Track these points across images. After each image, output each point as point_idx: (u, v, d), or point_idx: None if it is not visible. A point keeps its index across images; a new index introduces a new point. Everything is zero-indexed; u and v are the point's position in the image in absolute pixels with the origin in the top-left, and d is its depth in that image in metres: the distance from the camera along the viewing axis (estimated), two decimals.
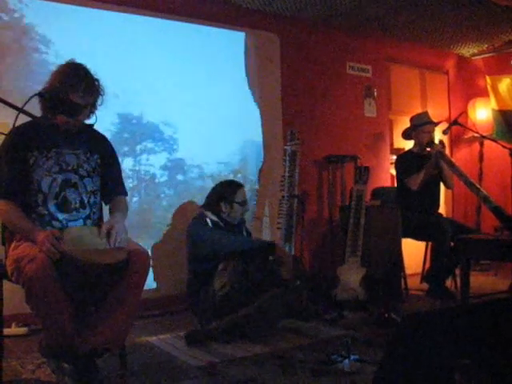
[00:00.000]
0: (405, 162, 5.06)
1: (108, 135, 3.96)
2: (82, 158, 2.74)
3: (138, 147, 4.60)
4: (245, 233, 4.14)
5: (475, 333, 1.72)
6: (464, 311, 1.92)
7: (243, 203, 4.00)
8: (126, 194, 2.98)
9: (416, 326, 1.71)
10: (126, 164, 4.47)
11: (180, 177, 4.81)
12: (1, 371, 2.59)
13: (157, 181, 4.67)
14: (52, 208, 2.62)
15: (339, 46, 5.88)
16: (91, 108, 2.71)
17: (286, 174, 4.62)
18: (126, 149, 4.52)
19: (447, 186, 5.15)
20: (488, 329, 1.76)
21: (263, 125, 5.22)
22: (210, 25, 4.93)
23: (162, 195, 4.72)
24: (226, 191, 3.98)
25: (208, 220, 3.91)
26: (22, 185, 2.60)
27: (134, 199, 4.51)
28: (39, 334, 2.67)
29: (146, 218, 4.59)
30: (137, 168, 4.58)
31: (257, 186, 5.16)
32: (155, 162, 4.66)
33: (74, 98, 2.56)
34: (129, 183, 4.44)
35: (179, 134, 4.78)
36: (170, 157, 4.75)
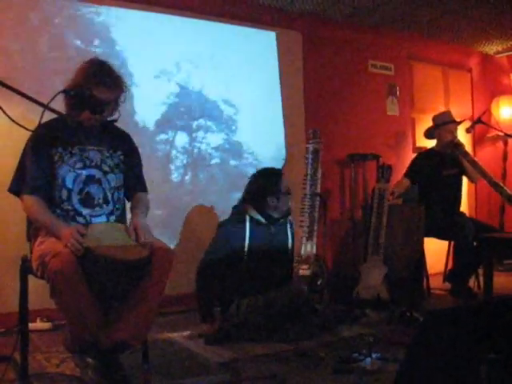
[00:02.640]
0: (416, 162, 5.08)
1: (163, 108, 3.89)
2: (105, 154, 2.76)
3: (195, 123, 4.36)
4: (289, 231, 3.90)
5: (498, 328, 1.70)
6: (487, 307, 1.91)
7: (289, 192, 3.77)
8: (146, 190, 2.99)
9: (439, 322, 1.70)
10: (179, 140, 4.23)
11: (233, 162, 4.60)
12: (26, 365, 2.62)
13: (209, 163, 4.44)
14: (76, 203, 2.65)
15: (361, 44, 5.85)
16: (114, 104, 2.74)
17: (308, 173, 4.58)
18: (180, 123, 4.27)
19: (471, 181, 5.15)
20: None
21: (285, 123, 5.21)
22: (233, 23, 4.92)
23: (215, 178, 4.47)
24: (269, 184, 3.71)
25: (247, 217, 3.65)
26: (47, 181, 2.63)
27: (186, 177, 4.29)
28: (63, 329, 2.70)
29: (199, 201, 4.38)
30: (191, 145, 4.34)
31: None
32: (211, 141, 4.45)
33: (98, 94, 2.58)
34: (182, 160, 4.26)
35: (240, 115, 4.58)
36: (227, 138, 4.54)
